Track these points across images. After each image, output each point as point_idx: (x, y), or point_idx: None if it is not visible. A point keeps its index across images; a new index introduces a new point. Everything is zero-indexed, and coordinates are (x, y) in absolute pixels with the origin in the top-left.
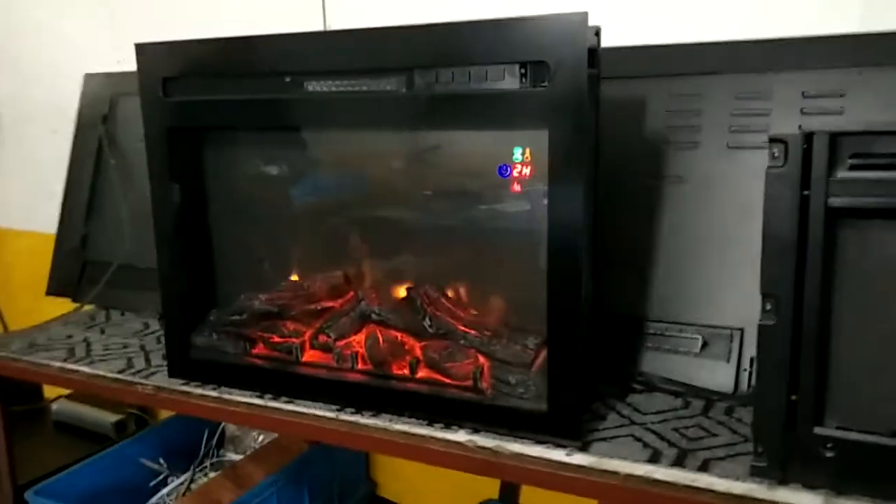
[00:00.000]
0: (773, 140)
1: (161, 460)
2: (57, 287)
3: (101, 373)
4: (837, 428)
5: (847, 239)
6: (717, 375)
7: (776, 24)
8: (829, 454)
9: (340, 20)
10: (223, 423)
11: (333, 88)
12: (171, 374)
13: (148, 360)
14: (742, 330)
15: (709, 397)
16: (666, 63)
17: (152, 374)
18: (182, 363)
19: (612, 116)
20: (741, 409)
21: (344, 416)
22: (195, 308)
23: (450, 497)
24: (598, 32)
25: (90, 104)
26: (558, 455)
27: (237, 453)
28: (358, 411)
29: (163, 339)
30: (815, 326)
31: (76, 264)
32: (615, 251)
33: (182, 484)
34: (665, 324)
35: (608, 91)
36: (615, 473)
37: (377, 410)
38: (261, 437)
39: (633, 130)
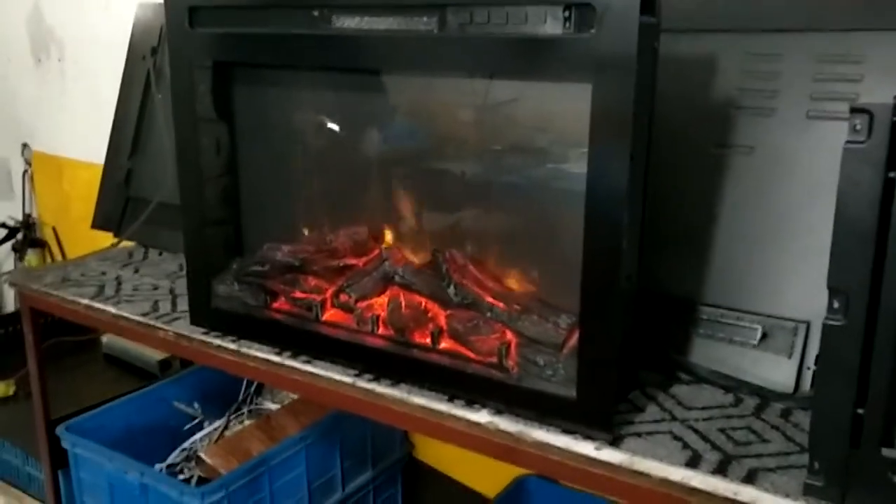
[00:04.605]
0: (855, 110)
1: (196, 404)
2: (102, 221)
3: (126, 314)
4: None
5: None
6: (776, 372)
7: None
8: None
9: None
10: None
11: (362, 25)
12: (193, 322)
13: (174, 305)
14: (808, 323)
15: (764, 395)
16: (742, 17)
17: (175, 319)
18: (204, 311)
19: (676, 74)
20: (800, 413)
21: (361, 383)
22: (219, 254)
23: (487, 464)
24: None
25: (141, 36)
26: (586, 448)
27: (274, 402)
28: (376, 378)
29: None
30: (892, 331)
31: (120, 199)
32: (669, 226)
33: (216, 430)
34: (721, 309)
35: (673, 45)
36: (647, 476)
37: (396, 379)
38: None
39: (699, 92)
